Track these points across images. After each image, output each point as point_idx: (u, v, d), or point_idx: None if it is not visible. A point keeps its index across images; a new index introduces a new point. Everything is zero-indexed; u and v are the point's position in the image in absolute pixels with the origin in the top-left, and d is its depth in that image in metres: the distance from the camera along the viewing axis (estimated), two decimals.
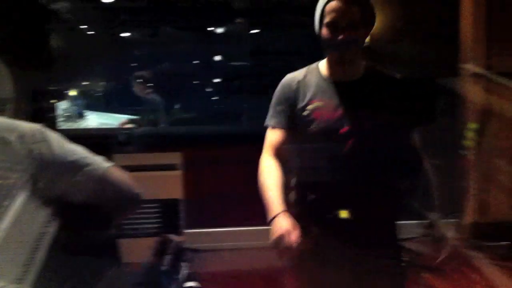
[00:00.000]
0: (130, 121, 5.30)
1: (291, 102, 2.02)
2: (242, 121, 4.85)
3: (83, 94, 5.72)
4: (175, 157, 4.11)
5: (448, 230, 4.19)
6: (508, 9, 3.62)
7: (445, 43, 3.82)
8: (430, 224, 4.06)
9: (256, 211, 4.23)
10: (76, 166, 1.41)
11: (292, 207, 2.03)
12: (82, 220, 1.50)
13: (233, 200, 4.29)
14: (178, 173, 4.08)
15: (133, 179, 1.55)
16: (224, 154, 4.29)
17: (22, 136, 1.36)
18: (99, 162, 1.45)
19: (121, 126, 5.15)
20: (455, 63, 3.63)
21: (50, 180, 1.39)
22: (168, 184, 4.06)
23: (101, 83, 5.77)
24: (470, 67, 3.61)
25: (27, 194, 1.37)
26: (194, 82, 5.85)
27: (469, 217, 4.04)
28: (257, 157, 4.26)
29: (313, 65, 2.09)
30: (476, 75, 3.57)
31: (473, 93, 3.60)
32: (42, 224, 1.41)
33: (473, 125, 3.62)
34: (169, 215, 4.02)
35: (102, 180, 1.44)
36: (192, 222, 4.17)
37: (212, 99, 5.32)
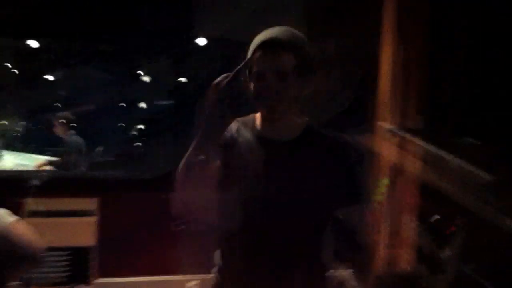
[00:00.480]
0: (48, 163, 5.15)
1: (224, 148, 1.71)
2: (160, 166, 4.80)
3: (1, 133, 5.53)
4: (91, 203, 3.99)
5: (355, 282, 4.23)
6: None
7: (360, 99, 3.94)
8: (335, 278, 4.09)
9: (169, 259, 4.16)
10: None
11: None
12: None
13: (149, 248, 4.20)
14: (92, 219, 3.95)
15: (36, 234, 1.48)
16: (143, 200, 4.21)
17: None
18: (3, 215, 1.39)
19: (38, 168, 4.98)
20: (368, 119, 3.74)
21: None
22: (81, 231, 3.92)
23: (20, 122, 5.61)
24: (385, 124, 3.71)
25: None
26: (118, 124, 5.77)
27: (376, 270, 4.10)
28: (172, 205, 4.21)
29: (250, 117, 1.80)
30: (390, 132, 3.67)
31: (386, 149, 3.70)
32: None
33: (384, 181, 3.70)
34: (79, 263, 3.87)
35: (4, 234, 1.37)
36: (104, 270, 4.03)
37: (133, 143, 5.25)
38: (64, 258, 3.86)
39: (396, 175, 3.59)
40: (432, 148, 3.14)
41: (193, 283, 4.21)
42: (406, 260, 3.56)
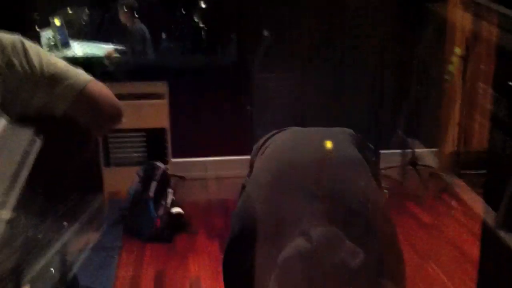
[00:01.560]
0: (116, 51, 5.23)
1: None
2: (229, 50, 4.79)
3: (68, 22, 5.61)
4: (161, 86, 4.09)
5: (429, 158, 4.26)
6: None
7: None
8: (412, 153, 4.12)
9: (241, 141, 4.27)
10: (56, 79, 1.39)
11: None
12: (64, 136, 1.49)
13: (218, 130, 4.31)
14: (164, 102, 4.07)
15: (112, 94, 1.53)
16: (211, 84, 4.28)
17: (1, 48, 1.33)
18: (80, 75, 1.43)
19: (107, 56, 5.08)
20: None
21: (29, 93, 1.37)
22: (155, 113, 4.05)
23: (87, 12, 5.64)
24: None
25: (7, 114, 1.36)
26: (182, 11, 5.73)
27: (450, 146, 4.09)
28: (244, 87, 4.26)
29: None
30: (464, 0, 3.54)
31: (461, 18, 3.57)
32: (24, 145, 1.40)
33: (459, 51, 3.61)
34: (155, 144, 4.03)
35: (83, 94, 1.42)
36: (178, 151, 4.20)
37: (200, 28, 5.22)
38: (141, 139, 4.03)
39: (473, 44, 3.49)
40: (509, 13, 3.00)
41: None
42: (483, 134, 3.54)
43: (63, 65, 1.41)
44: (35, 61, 1.35)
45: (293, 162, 1.59)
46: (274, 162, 1.63)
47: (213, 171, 4.31)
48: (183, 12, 5.66)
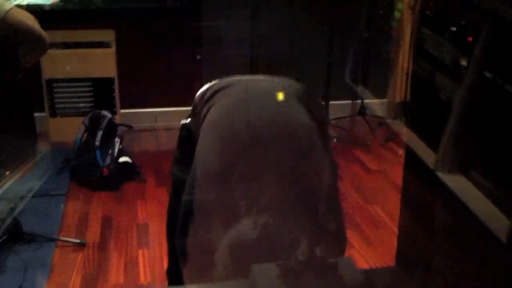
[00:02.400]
0: None
1: None
2: None
3: None
4: (108, 34, 3.99)
5: (378, 108, 4.32)
6: None
7: None
8: (361, 103, 4.17)
9: (190, 91, 4.23)
10: None
11: None
12: None
13: (168, 80, 4.26)
14: (111, 50, 3.98)
15: (35, 22, 1.49)
16: (160, 32, 4.19)
17: None
18: (2, 3, 1.39)
19: (53, 1, 4.91)
20: None
21: None
22: (101, 62, 3.96)
23: None
24: None
25: None
26: None
27: (398, 95, 4.16)
28: (194, 33, 4.18)
29: None
30: None
31: None
32: None
33: None
34: (103, 94, 3.96)
35: (6, 18, 1.39)
36: (127, 101, 4.13)
37: None
38: (87, 88, 3.94)
39: None
40: None
41: None
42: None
43: None
44: None
45: (242, 141, 1.57)
46: (222, 142, 1.61)
47: (163, 121, 4.27)
48: None
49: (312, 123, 1.61)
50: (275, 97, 1.69)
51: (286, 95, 1.68)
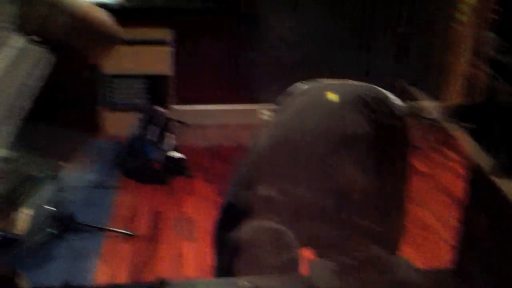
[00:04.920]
0: None
1: None
2: None
3: None
4: (166, 33, 4.08)
5: (432, 110, 4.23)
6: None
7: None
8: (414, 104, 4.09)
9: (244, 89, 4.27)
10: (51, 3, 1.41)
11: None
12: (62, 62, 1.51)
13: (222, 78, 4.31)
14: (168, 48, 4.06)
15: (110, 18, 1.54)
16: (216, 31, 4.25)
17: None
18: None
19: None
20: None
21: (27, 19, 1.39)
22: (158, 59, 4.06)
23: None
24: None
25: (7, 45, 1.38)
26: None
27: (454, 97, 4.05)
28: (248, 34, 4.20)
29: None
30: None
31: None
32: (23, 75, 1.42)
33: None
34: (158, 90, 4.05)
35: (80, 12, 1.44)
36: (181, 98, 4.21)
37: None
38: (143, 84, 4.04)
39: None
40: None
41: (265, 112, 4.33)
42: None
43: None
44: None
45: (293, 145, 1.60)
46: (275, 143, 1.65)
47: (215, 118, 4.32)
48: None
49: (370, 131, 1.60)
50: (331, 103, 1.69)
51: (345, 102, 1.68)
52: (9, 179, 1.49)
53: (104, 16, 1.57)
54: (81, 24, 1.51)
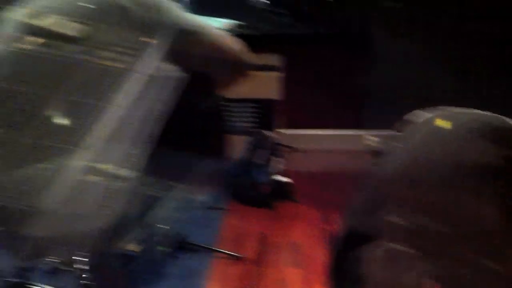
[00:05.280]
0: (233, 25, 5.35)
1: None
2: (347, 23, 4.75)
3: None
4: (275, 59, 4.16)
5: None
6: None
7: None
8: None
9: (352, 115, 4.26)
10: (190, 31, 1.50)
11: None
12: (193, 87, 1.59)
13: (331, 103, 4.32)
14: (277, 74, 4.14)
15: (244, 47, 1.61)
16: (327, 57, 4.28)
17: (138, 3, 1.45)
18: (213, 29, 1.53)
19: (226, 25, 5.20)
20: None
21: (163, 45, 1.48)
22: (267, 84, 4.14)
23: None
24: None
25: (138, 72, 1.48)
26: None
27: None
28: (361, 60, 4.20)
29: None
30: None
31: None
32: (151, 101, 1.51)
33: None
34: (266, 114, 4.12)
35: (214, 44, 1.52)
36: (289, 122, 4.26)
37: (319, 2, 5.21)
38: (251, 108, 4.14)
39: None
40: None
41: (372, 138, 4.29)
42: None
43: (196, 18, 1.52)
44: (173, 16, 1.47)
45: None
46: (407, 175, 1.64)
47: (323, 144, 4.34)
48: None
49: (495, 161, 1.56)
50: (442, 130, 1.66)
51: (460, 129, 1.64)
52: (127, 198, 1.58)
53: (238, 45, 1.64)
54: (217, 53, 1.59)
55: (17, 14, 1.64)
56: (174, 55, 1.53)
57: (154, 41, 1.50)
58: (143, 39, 1.51)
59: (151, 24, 1.48)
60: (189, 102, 1.87)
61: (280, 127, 4.19)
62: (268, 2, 5.37)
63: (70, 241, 1.52)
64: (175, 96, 1.59)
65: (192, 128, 2.15)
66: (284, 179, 3.64)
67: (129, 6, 1.48)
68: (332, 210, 3.44)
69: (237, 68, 1.65)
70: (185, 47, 1.54)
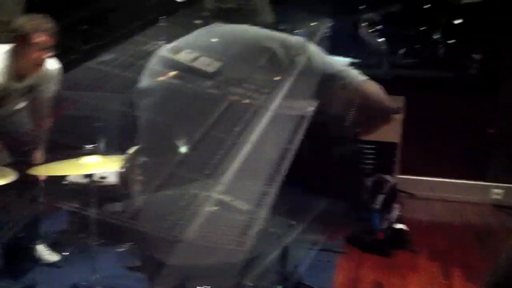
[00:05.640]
0: (352, 64, 5.31)
1: None
2: (471, 68, 4.58)
3: (309, 33, 5.84)
4: (397, 101, 4.06)
5: None
6: None
7: None
8: None
9: (475, 165, 4.05)
10: (334, 78, 1.48)
11: None
12: (332, 129, 1.58)
13: (452, 150, 4.15)
14: (398, 117, 4.03)
15: (386, 94, 1.58)
16: (449, 102, 4.13)
17: (286, 47, 1.46)
18: (356, 75, 1.51)
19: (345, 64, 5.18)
20: None
21: (307, 90, 1.48)
22: (387, 127, 4.03)
23: (329, 24, 5.83)
24: None
25: (273, 111, 1.47)
26: (422, 27, 5.63)
27: None
28: (487, 108, 4.02)
29: None
30: None
31: None
32: (285, 141, 1.50)
33: None
34: (384, 157, 4.01)
35: (358, 92, 1.49)
36: (407, 167, 4.13)
37: (440, 44, 5.07)
38: (371, 151, 4.04)
39: None
40: None
41: (498, 191, 4.07)
42: None
43: (340, 65, 1.50)
44: (317, 60, 1.46)
45: None
46: None
47: (441, 192, 4.16)
48: (423, 28, 5.55)
49: None
50: None
51: None
52: (257, 235, 1.55)
53: (381, 91, 1.59)
54: (362, 99, 1.54)
55: (162, 50, 1.70)
56: (317, 97, 1.51)
57: (289, 81, 1.49)
58: (277, 78, 1.50)
59: (292, 66, 1.47)
60: (325, 143, 1.83)
61: (400, 172, 4.07)
62: (389, 43, 5.30)
63: (210, 272, 1.52)
64: (309, 136, 1.56)
65: (323, 169, 2.11)
66: (402, 227, 3.50)
67: (276, 48, 1.48)
68: (452, 264, 3.25)
69: (381, 114, 1.60)
70: (329, 90, 1.52)
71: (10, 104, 2.97)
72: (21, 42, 2.75)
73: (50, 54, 2.83)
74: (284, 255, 2.86)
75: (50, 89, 3.05)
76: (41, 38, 2.72)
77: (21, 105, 3.04)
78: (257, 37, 1.53)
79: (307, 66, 1.48)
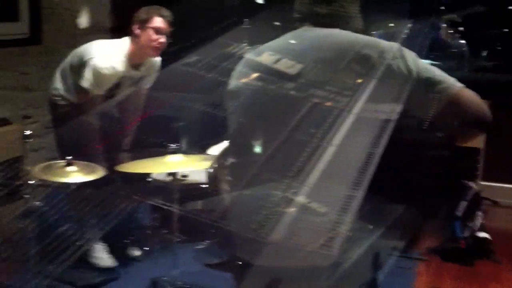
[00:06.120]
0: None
1: None
2: None
3: (387, 34, 5.75)
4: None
5: None
6: None
7: None
8: None
9: None
10: (430, 84, 1.46)
11: None
12: (426, 139, 1.55)
13: None
14: None
15: (484, 102, 1.53)
16: None
17: (381, 52, 1.44)
18: (452, 81, 1.47)
19: None
20: None
21: (394, 94, 1.45)
22: None
23: (408, 25, 5.72)
24: None
25: (357, 114, 1.45)
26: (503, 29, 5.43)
27: None
28: None
29: None
30: None
31: None
32: (370, 145, 1.48)
33: None
34: (468, 163, 3.88)
35: (455, 98, 1.46)
36: (490, 174, 3.98)
37: None
38: (453, 156, 3.93)
39: None
40: None
41: None
42: None
43: (437, 70, 1.47)
44: (412, 65, 1.43)
45: None
46: None
47: None
48: (506, 29, 5.36)
49: None
50: None
51: None
52: (341, 240, 1.54)
53: (478, 101, 1.54)
54: (458, 107, 1.50)
55: (250, 52, 1.71)
56: (410, 102, 1.48)
57: (373, 84, 1.47)
58: (359, 80, 1.48)
59: (387, 70, 1.45)
60: (417, 149, 1.80)
61: (483, 179, 3.93)
62: (470, 45, 5.15)
63: (297, 275, 1.52)
64: (398, 141, 1.53)
65: (411, 175, 2.07)
66: (485, 235, 3.37)
67: (372, 54, 1.46)
68: None
69: (481, 123, 1.55)
70: (424, 96, 1.49)
71: (122, 92, 3.12)
72: (140, 26, 2.95)
73: (167, 40, 3.02)
74: (374, 262, 2.82)
75: (151, 80, 3.19)
76: (159, 23, 2.93)
77: (128, 92, 3.18)
78: (352, 42, 1.52)
79: (400, 70, 1.46)
